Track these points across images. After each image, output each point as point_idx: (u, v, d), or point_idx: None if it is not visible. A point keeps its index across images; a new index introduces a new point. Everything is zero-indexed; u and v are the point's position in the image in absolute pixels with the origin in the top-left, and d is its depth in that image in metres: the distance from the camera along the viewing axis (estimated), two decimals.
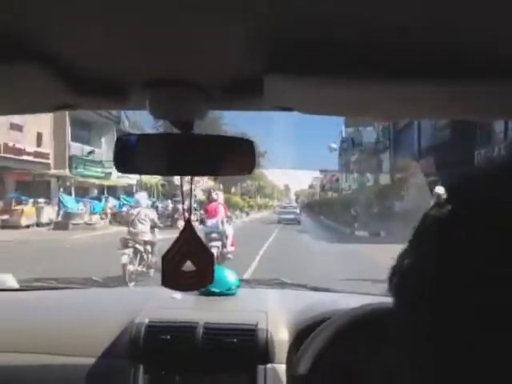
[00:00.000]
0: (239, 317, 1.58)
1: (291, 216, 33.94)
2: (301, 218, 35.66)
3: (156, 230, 8.56)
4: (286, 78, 0.66)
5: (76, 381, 1.46)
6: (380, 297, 1.74)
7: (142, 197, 8.98)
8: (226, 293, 1.76)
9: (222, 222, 9.12)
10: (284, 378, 1.41)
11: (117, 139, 0.92)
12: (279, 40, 0.60)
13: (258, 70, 0.67)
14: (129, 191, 28.73)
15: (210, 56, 0.67)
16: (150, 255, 8.29)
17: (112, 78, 0.76)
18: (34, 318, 1.64)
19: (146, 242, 8.23)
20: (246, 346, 1.47)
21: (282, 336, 1.48)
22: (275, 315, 1.57)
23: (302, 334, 1.35)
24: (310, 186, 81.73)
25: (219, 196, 9.71)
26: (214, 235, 9.08)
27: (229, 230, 9.41)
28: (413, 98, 0.76)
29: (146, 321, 1.52)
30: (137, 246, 8.06)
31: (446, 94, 0.71)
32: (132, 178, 27.85)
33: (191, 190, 1.10)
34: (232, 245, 9.44)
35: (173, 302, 1.64)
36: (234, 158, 0.90)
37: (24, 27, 0.55)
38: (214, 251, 8.35)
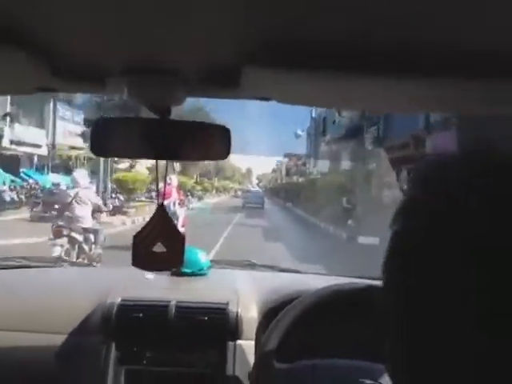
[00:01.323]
0: (210, 296, 1.62)
1: (255, 200, 34.22)
2: (264, 203, 35.00)
3: (101, 215, 7.56)
4: (263, 68, 0.67)
5: (48, 358, 1.47)
6: (347, 278, 1.80)
7: (81, 175, 7.42)
8: (198, 273, 1.80)
9: (174, 204, 9.29)
10: (253, 354, 1.45)
11: (94, 122, 0.93)
12: (257, 30, 0.61)
13: (235, 60, 0.68)
14: (38, 166, 23.51)
15: (188, 44, 0.68)
16: (92, 246, 6.95)
17: (91, 63, 0.76)
18: (3, 297, 1.63)
19: (86, 230, 6.87)
20: (217, 323, 1.51)
21: (251, 314, 1.53)
22: (245, 294, 1.61)
23: (270, 313, 1.40)
24: (274, 170, 76.60)
25: (173, 180, 9.71)
26: None
27: (180, 211, 9.68)
28: (388, 92, 0.78)
29: (119, 299, 1.54)
30: (73, 234, 6.68)
31: (424, 88, 0.73)
32: (42, 147, 22.81)
33: (166, 174, 1.12)
34: (183, 225, 9.53)
35: (145, 281, 1.67)
36: (210, 144, 0.93)
37: (2, 10, 0.56)
38: None
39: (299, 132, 40.94)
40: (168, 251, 0.99)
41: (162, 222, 1.01)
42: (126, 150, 0.99)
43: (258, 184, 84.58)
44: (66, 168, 20.43)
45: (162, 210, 1.02)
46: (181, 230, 8.33)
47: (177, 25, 0.60)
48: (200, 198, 34.06)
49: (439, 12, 0.53)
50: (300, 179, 42.20)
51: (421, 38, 0.60)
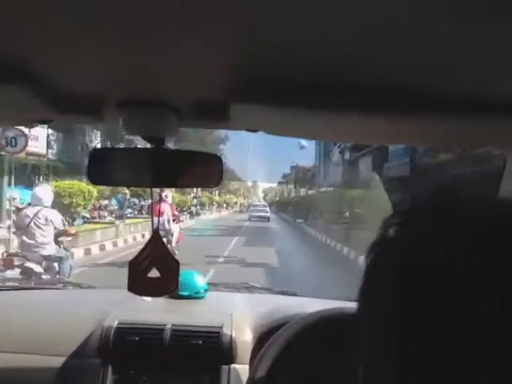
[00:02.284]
0: (205, 319, 1.63)
1: (262, 214, 36.71)
2: (269, 216, 36.50)
3: (64, 239, 6.24)
4: (251, 103, 0.70)
5: (44, 380, 1.48)
6: (344, 301, 1.79)
7: (43, 191, 6.16)
8: (195, 296, 1.81)
9: (168, 221, 9.22)
10: (245, 376, 1.44)
11: (91, 151, 0.97)
12: (245, 69, 0.64)
13: (224, 96, 0.72)
14: None
15: (179, 80, 0.71)
16: (56, 276, 5.45)
17: (87, 97, 0.80)
18: (2, 318, 1.64)
19: (47, 258, 5.70)
20: (211, 347, 1.52)
21: (245, 338, 1.53)
22: (240, 318, 1.62)
23: (264, 337, 1.40)
24: (280, 183, 74.73)
25: (168, 197, 9.62)
26: (160, 233, 8.69)
27: (174, 228, 9.72)
28: (375, 126, 0.81)
29: (116, 323, 1.55)
30: (28, 264, 5.45)
31: (411, 123, 0.75)
32: None
33: (160, 201, 1.14)
34: (178, 241, 9.87)
35: (142, 304, 1.67)
36: (202, 172, 0.96)
37: (3, 47, 0.58)
38: None
39: (303, 143, 39.34)
40: (163, 277, 1.02)
41: (157, 247, 1.03)
42: (123, 179, 1.03)
43: (264, 198, 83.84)
44: (21, 179, 14.64)
45: (156, 236, 1.05)
46: (175, 244, 8.15)
47: (169, 63, 0.64)
48: (194, 215, 28.83)
49: (426, 51, 0.55)
50: (309, 192, 39.45)
51: (408, 76, 0.62)
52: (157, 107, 0.81)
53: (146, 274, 1.01)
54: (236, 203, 66.72)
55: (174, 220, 9.79)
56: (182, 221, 11.77)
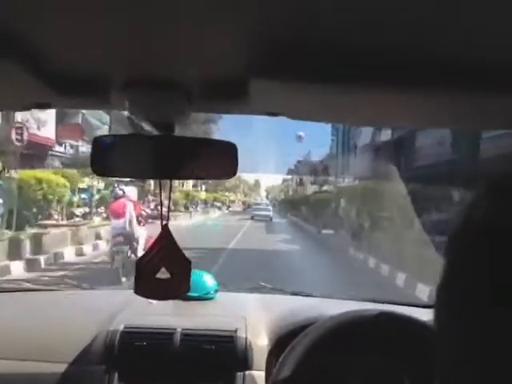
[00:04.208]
0: (218, 323, 1.56)
1: (264, 213, 33.85)
2: (272, 216, 33.42)
3: None
4: (272, 82, 0.64)
5: None
6: (360, 302, 1.74)
7: None
8: (205, 297, 1.73)
9: (131, 223, 7.49)
10: None
11: (94, 139, 0.90)
12: (267, 43, 0.58)
13: (243, 74, 0.65)
14: None
15: (192, 56, 0.65)
16: None
17: (91, 78, 0.74)
18: (4, 322, 1.58)
19: None
20: (225, 352, 1.45)
21: (261, 342, 1.47)
22: (254, 321, 1.55)
23: (281, 341, 1.34)
24: (285, 180, 71.73)
25: (129, 191, 8.11)
26: (120, 238, 7.38)
27: (139, 232, 7.70)
28: (404, 105, 0.74)
29: (122, 327, 1.49)
30: None
31: (436, 102, 0.70)
32: None
33: (170, 194, 1.06)
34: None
35: (149, 306, 1.61)
36: (216, 162, 0.90)
37: (1, 23, 0.53)
38: (119, 259, 7.15)
39: (301, 134, 33.78)
40: (173, 278, 0.95)
41: (167, 245, 0.96)
42: (129, 169, 0.96)
43: (266, 196, 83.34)
44: None
45: (166, 232, 0.97)
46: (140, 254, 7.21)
47: (180, 37, 0.58)
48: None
49: (449, 24, 0.52)
50: (324, 188, 30.29)
51: (434, 52, 0.59)
52: (166, 88, 0.74)
53: (155, 275, 0.94)
54: (233, 201, 56.92)
55: (139, 222, 7.96)
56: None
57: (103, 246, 11.05)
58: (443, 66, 0.60)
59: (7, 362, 1.44)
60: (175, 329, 1.48)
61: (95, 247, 11.25)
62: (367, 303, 1.78)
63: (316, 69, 0.61)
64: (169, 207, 1.16)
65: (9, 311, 1.70)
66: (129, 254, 7.42)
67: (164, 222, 0.99)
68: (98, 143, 0.89)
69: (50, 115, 15.17)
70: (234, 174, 0.90)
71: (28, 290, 1.96)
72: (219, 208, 42.24)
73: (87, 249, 10.97)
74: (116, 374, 1.43)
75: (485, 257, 0.38)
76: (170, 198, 1.06)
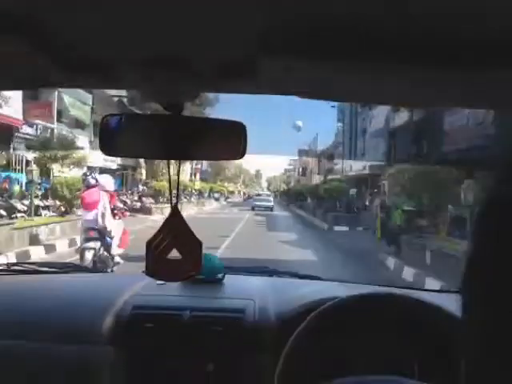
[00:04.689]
0: (226, 304, 1.57)
1: (265, 203, 33.98)
2: (273, 206, 33.79)
3: None
4: (281, 61, 0.63)
5: (57, 368, 1.43)
6: (368, 286, 1.74)
7: None
8: (213, 279, 1.73)
9: (103, 216, 6.69)
10: (270, 367, 1.40)
11: (102, 118, 0.90)
12: (276, 22, 0.58)
13: (251, 53, 0.65)
14: None
15: (203, 36, 0.65)
16: None
17: (100, 56, 0.74)
18: (12, 304, 1.59)
19: None
20: (233, 333, 1.45)
21: (269, 324, 1.47)
22: (262, 303, 1.55)
23: (289, 323, 1.34)
24: (287, 171, 68.79)
25: (102, 181, 7.11)
26: (91, 233, 6.64)
27: (115, 226, 6.94)
28: (417, 84, 0.74)
29: (130, 307, 1.49)
30: None
31: (449, 81, 0.69)
32: None
33: (178, 174, 1.07)
34: (121, 246, 7.01)
35: (158, 288, 1.61)
36: (225, 142, 0.90)
37: (12, 2, 0.53)
38: (89, 255, 6.51)
39: (298, 123, 32.67)
40: (184, 259, 0.95)
41: (177, 225, 0.96)
42: (137, 149, 0.96)
43: (268, 187, 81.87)
44: None
45: (176, 213, 0.97)
46: (117, 251, 6.15)
47: (188, 16, 0.58)
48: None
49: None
50: (332, 177, 27.55)
51: (445, 31, 0.58)
52: (175, 67, 0.74)
53: (166, 256, 0.95)
54: (233, 192, 55.68)
55: (115, 215, 7.12)
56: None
57: (38, 252, 9.19)
58: (445, 45, 0.60)
59: (17, 343, 1.44)
60: (184, 310, 1.48)
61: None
62: (377, 287, 1.78)
63: (325, 47, 0.60)
64: (178, 188, 1.16)
65: (16, 293, 1.70)
66: (101, 250, 6.73)
67: (174, 202, 1.00)
68: (106, 122, 0.90)
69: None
70: (243, 154, 0.90)
71: (35, 272, 1.97)
72: (217, 199, 39.67)
73: None
74: (124, 355, 1.43)
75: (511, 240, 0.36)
76: (178, 179, 1.06)
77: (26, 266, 2.03)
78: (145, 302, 1.54)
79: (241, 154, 0.90)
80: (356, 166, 24.04)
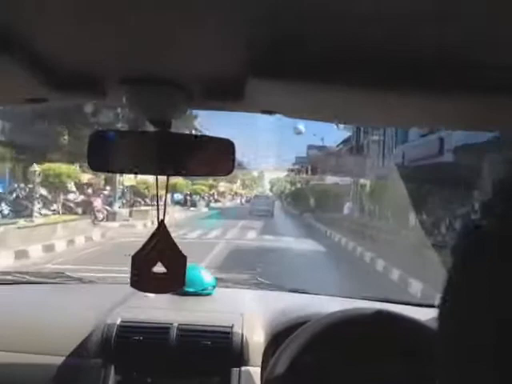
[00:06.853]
0: (214, 318, 1.56)
1: (264, 207, 28.64)
2: (273, 211, 29.00)
3: None
4: (268, 81, 0.64)
5: (44, 380, 1.42)
6: (357, 300, 1.73)
7: None
8: (202, 293, 1.73)
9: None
10: (258, 382, 1.39)
11: (91, 134, 0.90)
12: (264, 42, 0.58)
13: (239, 73, 0.65)
14: None
15: (190, 54, 0.65)
16: None
17: (88, 73, 0.73)
18: (1, 314, 1.58)
19: None
20: (221, 348, 1.45)
21: (257, 339, 1.47)
22: (251, 317, 1.55)
23: (277, 337, 1.34)
24: (291, 170, 65.27)
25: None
26: None
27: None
28: (396, 106, 0.74)
29: (119, 320, 1.49)
30: None
31: (432, 103, 0.70)
32: None
33: (166, 190, 1.06)
34: None
35: (146, 301, 1.60)
36: (213, 159, 0.90)
37: None
38: None
39: (300, 127, 27.05)
40: (169, 272, 0.95)
41: (163, 239, 0.96)
42: (125, 165, 0.96)
43: (270, 189, 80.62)
44: None
45: (163, 227, 0.96)
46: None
47: (178, 34, 0.58)
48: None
49: (444, 26, 0.52)
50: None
51: (426, 52, 0.58)
52: (163, 84, 0.74)
53: (151, 269, 0.95)
54: (223, 193, 45.92)
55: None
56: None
57: None
58: (440, 66, 0.60)
59: (5, 354, 1.44)
60: (172, 324, 1.48)
61: None
62: (364, 301, 1.78)
63: (312, 68, 0.60)
64: (165, 204, 1.15)
65: (5, 303, 1.69)
66: None
67: (160, 218, 1.00)
68: (95, 138, 0.90)
69: None
70: (231, 171, 0.91)
71: (26, 282, 1.96)
72: (193, 205, 28.51)
73: None
74: (112, 368, 1.43)
75: (494, 262, 0.37)
76: (166, 195, 1.05)
77: (16, 275, 2.02)
78: (133, 315, 1.54)
79: (229, 170, 0.91)
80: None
